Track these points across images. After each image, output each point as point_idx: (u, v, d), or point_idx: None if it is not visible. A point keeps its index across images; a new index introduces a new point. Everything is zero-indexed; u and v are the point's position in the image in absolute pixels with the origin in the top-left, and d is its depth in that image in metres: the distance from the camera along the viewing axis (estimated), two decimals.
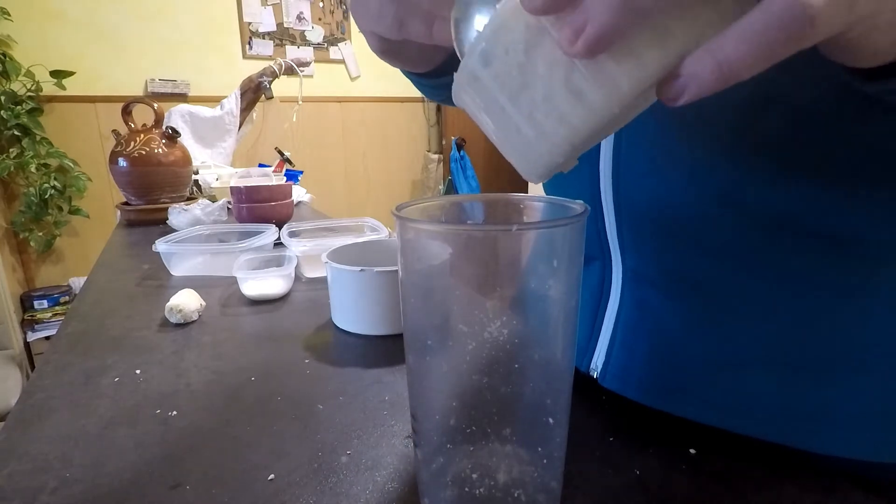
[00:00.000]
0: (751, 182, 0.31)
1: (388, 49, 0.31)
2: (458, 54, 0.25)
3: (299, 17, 2.83)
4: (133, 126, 1.32)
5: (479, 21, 0.24)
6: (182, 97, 2.54)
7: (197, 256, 0.83)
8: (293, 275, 0.73)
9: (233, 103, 1.99)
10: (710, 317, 0.35)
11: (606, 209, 0.37)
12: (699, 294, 0.35)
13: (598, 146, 0.36)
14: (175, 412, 0.41)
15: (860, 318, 0.32)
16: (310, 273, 0.80)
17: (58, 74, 2.23)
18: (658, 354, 0.37)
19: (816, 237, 0.31)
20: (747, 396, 0.34)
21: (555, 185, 0.44)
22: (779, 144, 0.30)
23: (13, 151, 2.15)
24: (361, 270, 0.54)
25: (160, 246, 0.80)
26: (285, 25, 2.80)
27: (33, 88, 2.18)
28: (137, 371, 0.48)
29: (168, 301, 0.61)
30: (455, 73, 0.22)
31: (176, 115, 1.85)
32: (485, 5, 0.24)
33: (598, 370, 0.40)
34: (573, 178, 0.40)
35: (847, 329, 0.32)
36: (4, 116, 2.08)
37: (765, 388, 0.34)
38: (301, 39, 2.86)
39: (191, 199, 1.41)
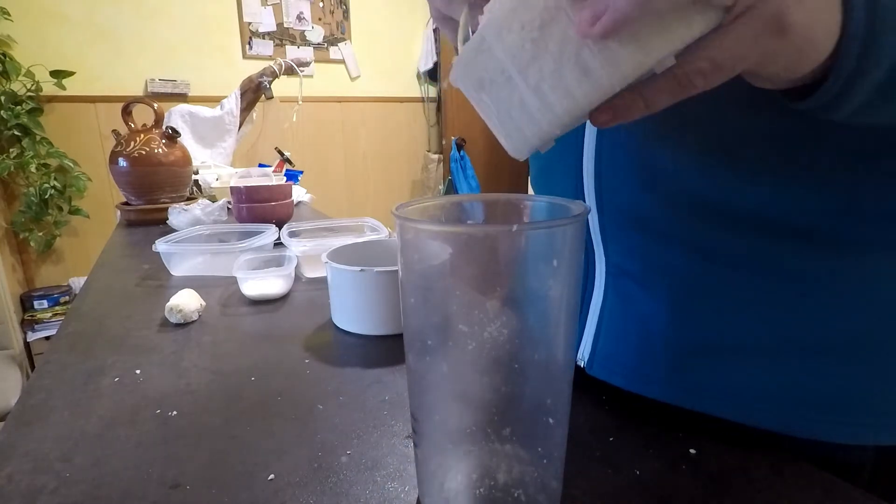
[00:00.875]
0: (723, 182, 0.33)
1: (442, 18, 0.33)
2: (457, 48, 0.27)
3: (299, 17, 2.83)
4: (133, 126, 1.32)
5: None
6: (182, 97, 2.54)
7: (197, 256, 0.83)
8: (293, 275, 0.73)
9: (233, 103, 1.99)
10: (691, 307, 0.36)
11: (588, 203, 0.39)
12: (679, 286, 0.36)
13: (582, 148, 0.38)
14: (175, 412, 0.41)
15: (835, 307, 0.33)
16: (310, 273, 0.80)
17: (58, 74, 2.23)
18: (641, 343, 0.39)
19: (788, 231, 0.32)
20: (729, 382, 0.36)
21: (541, 184, 0.46)
22: (744, 145, 0.32)
23: (13, 151, 2.15)
24: (361, 270, 0.54)
25: (160, 246, 0.80)
26: (285, 25, 2.80)
27: (33, 88, 2.18)
28: (137, 371, 0.48)
29: (168, 301, 0.61)
30: (461, 49, 0.24)
31: (176, 115, 1.85)
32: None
33: (585, 360, 0.42)
34: (559, 178, 0.42)
35: (823, 316, 0.33)
36: (4, 116, 2.08)
37: (745, 373, 0.35)
38: (301, 39, 2.85)
39: (191, 199, 1.41)
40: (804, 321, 0.34)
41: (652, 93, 0.23)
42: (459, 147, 3.18)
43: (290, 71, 2.11)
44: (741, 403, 0.35)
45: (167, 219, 1.14)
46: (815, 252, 0.32)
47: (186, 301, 0.61)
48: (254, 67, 2.25)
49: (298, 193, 1.56)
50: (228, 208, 1.31)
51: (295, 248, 0.78)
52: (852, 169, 0.31)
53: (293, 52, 2.82)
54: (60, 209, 2.28)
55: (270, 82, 2.02)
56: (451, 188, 3.26)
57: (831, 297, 0.33)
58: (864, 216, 0.32)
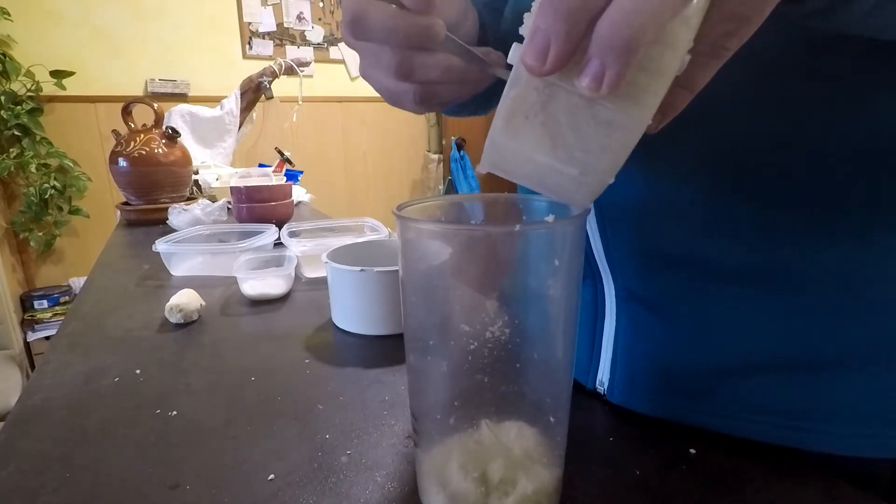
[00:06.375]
0: (717, 193, 0.33)
1: (423, 100, 0.31)
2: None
3: (299, 17, 2.83)
4: (133, 126, 1.32)
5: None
6: (182, 97, 2.54)
7: (197, 256, 0.83)
8: (293, 275, 0.73)
9: (233, 103, 1.99)
10: (705, 330, 0.36)
11: (591, 231, 0.38)
12: (690, 307, 0.36)
13: None
14: (175, 412, 0.41)
15: (854, 313, 0.33)
16: (310, 273, 0.80)
17: (58, 74, 2.22)
18: (661, 368, 0.38)
19: (788, 235, 0.32)
20: (750, 401, 0.35)
21: None
22: (729, 155, 0.31)
23: (13, 151, 2.14)
24: (361, 270, 0.54)
25: (160, 246, 0.80)
26: (285, 25, 2.79)
27: (33, 88, 2.18)
28: (137, 371, 0.48)
29: (168, 301, 0.61)
30: (484, 153, 0.24)
31: (176, 115, 1.86)
32: None
33: (605, 387, 0.40)
34: None
35: (842, 325, 0.33)
36: (4, 116, 2.08)
37: (766, 391, 0.34)
38: (301, 39, 2.85)
39: (191, 199, 1.41)
40: (823, 331, 0.33)
41: (689, 78, 0.21)
42: (459, 147, 3.18)
43: (290, 71, 2.11)
44: (771, 422, 0.34)
45: (167, 219, 1.14)
46: (824, 256, 0.32)
47: (186, 301, 0.61)
48: (254, 67, 2.25)
49: (298, 193, 1.56)
50: (228, 208, 1.31)
51: (295, 248, 0.78)
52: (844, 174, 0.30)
53: (293, 52, 2.81)
54: (60, 209, 2.28)
55: (270, 82, 2.03)
56: (451, 188, 3.26)
57: (848, 304, 0.32)
58: (870, 208, 0.31)
